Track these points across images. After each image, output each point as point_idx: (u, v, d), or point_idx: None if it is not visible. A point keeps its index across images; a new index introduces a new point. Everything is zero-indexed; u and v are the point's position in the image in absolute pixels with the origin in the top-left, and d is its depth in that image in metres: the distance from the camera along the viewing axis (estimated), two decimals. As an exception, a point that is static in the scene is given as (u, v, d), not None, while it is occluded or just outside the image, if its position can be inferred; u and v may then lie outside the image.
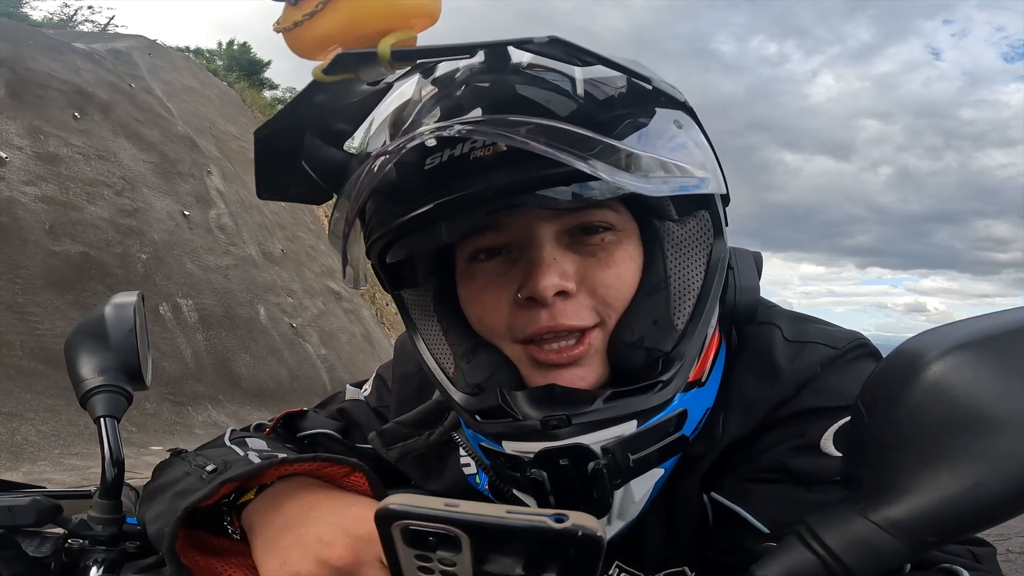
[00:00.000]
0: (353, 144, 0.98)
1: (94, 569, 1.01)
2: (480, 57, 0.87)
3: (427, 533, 0.55)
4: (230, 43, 26.39)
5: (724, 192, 0.94)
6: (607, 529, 0.90)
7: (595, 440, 0.84)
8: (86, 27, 22.54)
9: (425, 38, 0.80)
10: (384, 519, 0.55)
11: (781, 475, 0.89)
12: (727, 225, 0.96)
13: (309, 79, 0.82)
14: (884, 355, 0.77)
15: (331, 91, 0.85)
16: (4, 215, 9.26)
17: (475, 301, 0.96)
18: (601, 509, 0.87)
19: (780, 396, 0.93)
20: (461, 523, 0.53)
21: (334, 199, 0.95)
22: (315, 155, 0.95)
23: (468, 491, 1.11)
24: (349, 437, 1.34)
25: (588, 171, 0.74)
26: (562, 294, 0.87)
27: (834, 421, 0.88)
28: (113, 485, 1.05)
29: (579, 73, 0.84)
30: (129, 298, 1.22)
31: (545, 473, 0.85)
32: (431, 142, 0.80)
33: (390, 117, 0.92)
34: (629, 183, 0.76)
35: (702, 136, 0.92)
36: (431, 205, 0.83)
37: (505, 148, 0.80)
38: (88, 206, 10.74)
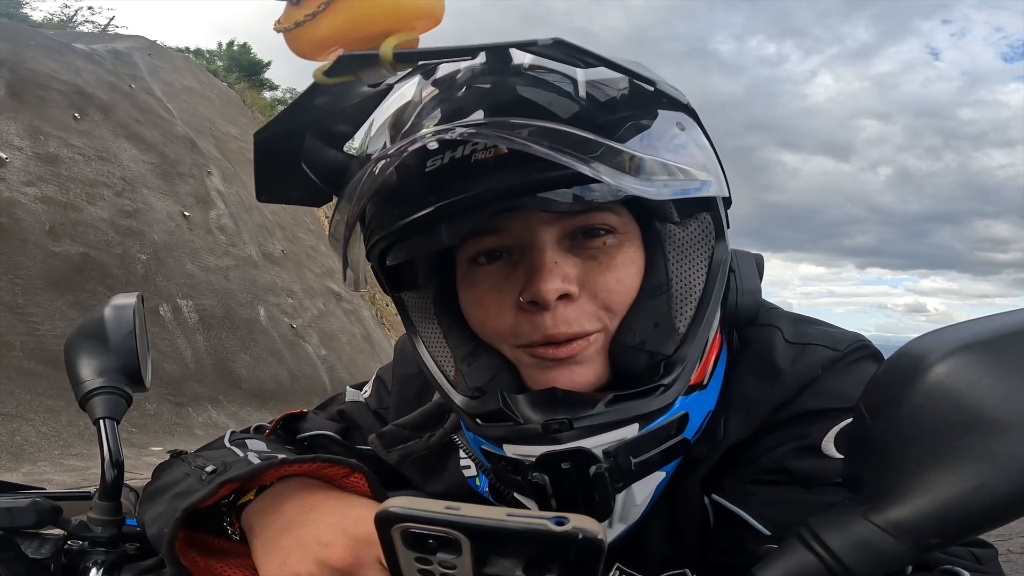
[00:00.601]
0: (353, 145, 0.98)
1: (94, 571, 1.01)
2: (481, 59, 0.87)
3: (427, 536, 0.54)
4: (230, 44, 26.41)
5: (726, 195, 0.94)
6: (608, 532, 0.90)
7: (597, 444, 0.84)
8: (86, 28, 22.58)
9: (427, 39, 0.80)
10: (384, 521, 0.55)
11: (782, 477, 0.89)
12: (729, 227, 0.96)
13: (310, 80, 0.81)
14: (885, 356, 0.77)
15: (331, 93, 0.85)
16: (4, 216, 9.26)
17: (477, 305, 0.95)
18: (603, 513, 0.86)
19: (781, 398, 0.93)
20: (461, 526, 0.53)
21: (334, 201, 0.95)
22: (315, 157, 0.95)
23: (468, 493, 1.11)
24: (349, 439, 1.33)
25: (590, 174, 0.73)
26: (564, 297, 0.87)
27: (835, 423, 0.88)
28: (113, 486, 1.05)
29: (581, 75, 0.84)
30: (129, 300, 1.22)
31: (547, 477, 0.85)
32: (432, 145, 0.80)
33: (390, 119, 0.91)
34: (631, 186, 0.76)
35: (704, 138, 0.92)
36: (432, 208, 0.82)
37: (506, 150, 0.79)
38: (88, 207, 10.74)
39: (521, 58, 0.86)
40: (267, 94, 26.15)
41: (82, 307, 8.98)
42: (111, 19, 24.02)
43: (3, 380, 7.82)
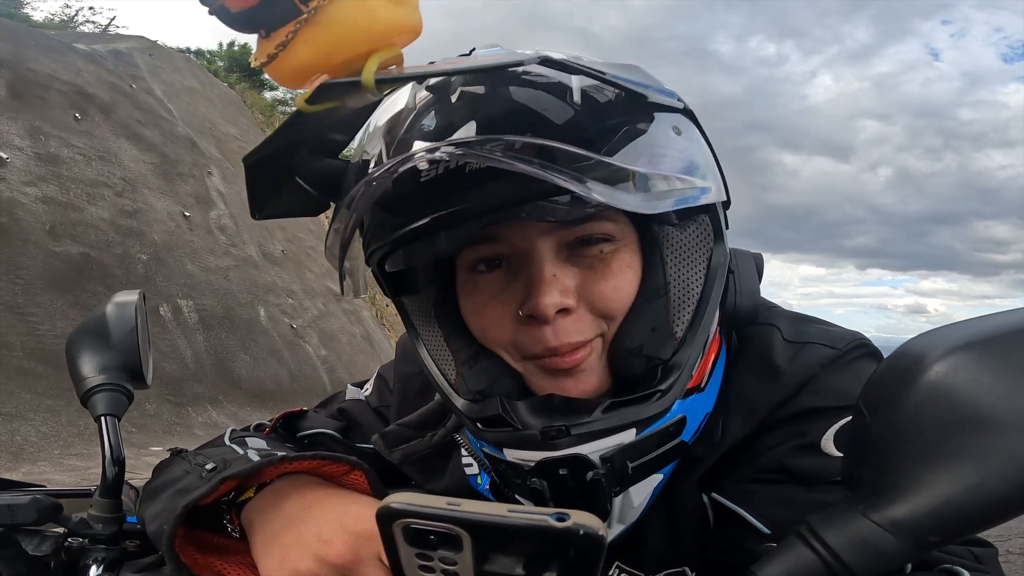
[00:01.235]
0: (352, 147, 0.98)
1: (94, 568, 1.01)
2: None
3: (428, 532, 0.55)
4: (231, 44, 26.37)
5: (724, 198, 0.94)
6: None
7: (594, 450, 0.84)
8: (87, 28, 22.56)
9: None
10: (386, 518, 0.55)
11: (782, 475, 0.89)
12: (727, 228, 0.96)
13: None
14: (885, 356, 0.77)
15: (321, 112, 0.84)
16: (5, 216, 9.26)
17: (478, 314, 0.96)
18: (600, 516, 0.87)
19: (780, 396, 0.93)
20: (463, 522, 0.53)
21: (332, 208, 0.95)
22: (310, 169, 0.95)
23: (469, 491, 1.12)
24: (350, 437, 1.34)
25: (582, 193, 0.73)
26: (563, 311, 0.87)
27: (834, 421, 0.88)
28: (113, 484, 1.05)
29: (576, 80, 0.83)
30: (130, 297, 1.22)
31: (545, 483, 0.86)
32: (422, 165, 0.81)
33: (385, 125, 0.91)
34: (626, 202, 0.76)
35: (702, 140, 0.92)
36: (427, 219, 0.82)
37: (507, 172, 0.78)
38: (88, 207, 10.74)
39: (528, 66, 0.86)
40: (267, 94, 26.14)
41: (82, 307, 8.98)
42: (112, 19, 24.02)
43: (3, 380, 7.81)
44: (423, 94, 0.89)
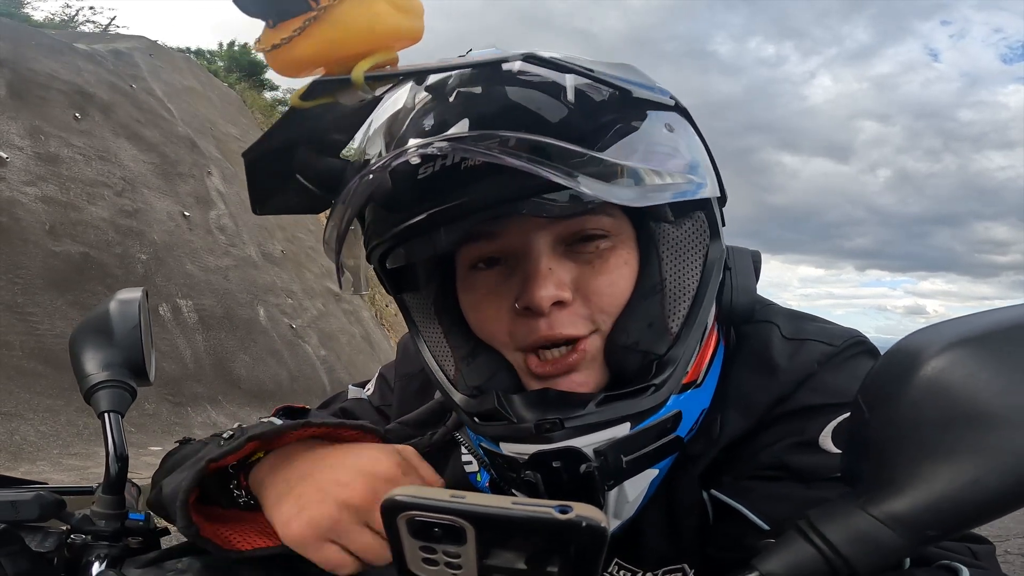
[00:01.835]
0: (352, 146, 0.99)
1: (96, 564, 1.01)
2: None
3: (433, 524, 0.55)
4: (231, 44, 26.33)
5: (719, 194, 0.96)
6: None
7: (588, 443, 0.85)
8: (87, 28, 22.49)
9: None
10: (390, 510, 0.56)
11: (780, 472, 0.90)
12: (724, 225, 0.98)
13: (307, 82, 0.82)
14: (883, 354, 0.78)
15: (320, 107, 0.85)
16: (4, 215, 9.24)
17: (475, 310, 0.98)
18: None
19: (778, 393, 0.94)
20: (467, 514, 0.53)
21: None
22: (310, 167, 0.97)
23: (469, 489, 1.11)
24: None
25: (574, 188, 0.75)
26: (559, 303, 0.89)
27: (832, 418, 0.89)
28: (116, 480, 1.05)
29: (570, 79, 0.85)
30: (134, 294, 1.23)
31: (539, 475, 0.87)
32: (415, 160, 0.82)
33: (384, 125, 0.93)
34: (617, 196, 0.78)
35: (696, 138, 0.94)
36: (424, 215, 0.84)
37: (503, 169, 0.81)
38: (88, 207, 10.73)
39: (511, 64, 0.88)
40: (267, 94, 26.10)
41: (82, 307, 8.96)
42: (112, 19, 23.94)
43: (2, 379, 7.79)
44: (422, 95, 0.91)
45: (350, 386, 1.48)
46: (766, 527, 0.86)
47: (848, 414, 0.73)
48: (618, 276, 0.92)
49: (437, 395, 1.22)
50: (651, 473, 0.93)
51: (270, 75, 26.65)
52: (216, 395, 10.49)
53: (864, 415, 0.66)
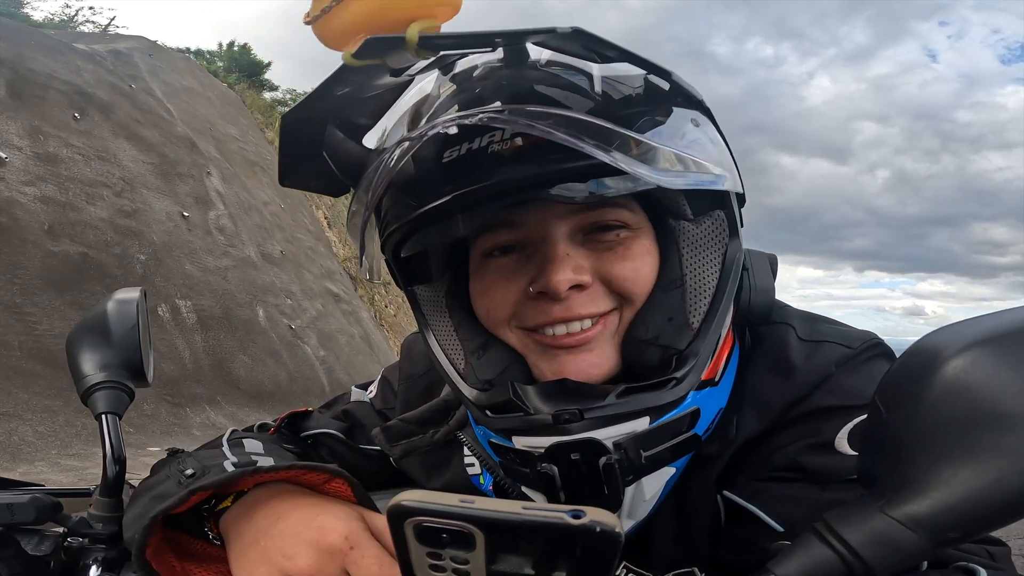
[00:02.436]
0: (373, 138, 0.99)
1: (94, 568, 1.00)
2: (499, 54, 0.89)
3: (440, 530, 0.54)
4: (230, 44, 26.42)
5: (740, 191, 0.95)
6: None
7: (607, 435, 0.84)
8: (87, 28, 22.53)
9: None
10: (397, 516, 0.54)
11: (795, 474, 0.88)
12: (743, 226, 0.97)
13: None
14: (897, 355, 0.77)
15: (354, 82, 0.85)
16: (3, 215, 9.26)
17: (484, 294, 0.97)
18: (612, 506, 0.87)
19: (795, 395, 0.93)
20: (476, 519, 0.52)
21: (342, 198, 0.96)
22: (336, 147, 0.96)
23: (471, 490, 1.11)
24: (353, 438, 1.34)
25: (609, 162, 0.75)
26: (577, 287, 0.88)
27: (849, 420, 0.88)
28: (114, 482, 1.04)
29: (597, 71, 0.85)
30: (132, 294, 1.21)
31: (556, 468, 0.85)
32: (452, 130, 0.81)
33: (409, 112, 0.93)
34: (649, 175, 0.77)
35: (718, 135, 0.94)
36: (448, 197, 0.84)
37: (522, 144, 0.81)
38: (87, 207, 10.74)
39: (538, 53, 0.88)
40: (267, 95, 26.19)
41: (81, 307, 8.98)
42: (112, 19, 24.02)
43: (1, 380, 7.81)
44: (448, 85, 0.92)
45: (353, 387, 1.46)
46: (780, 529, 0.84)
47: (865, 416, 0.72)
48: (642, 263, 0.92)
49: (442, 394, 1.21)
50: (668, 471, 0.91)
51: (270, 75, 26.65)
52: (215, 396, 10.51)
53: (882, 416, 0.65)
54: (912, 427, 0.61)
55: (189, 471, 0.91)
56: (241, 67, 25.45)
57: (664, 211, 0.94)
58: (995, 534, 0.75)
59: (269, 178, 18.04)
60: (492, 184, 0.82)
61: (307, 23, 0.80)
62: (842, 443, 0.87)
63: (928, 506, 0.58)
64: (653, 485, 0.90)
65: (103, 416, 1.07)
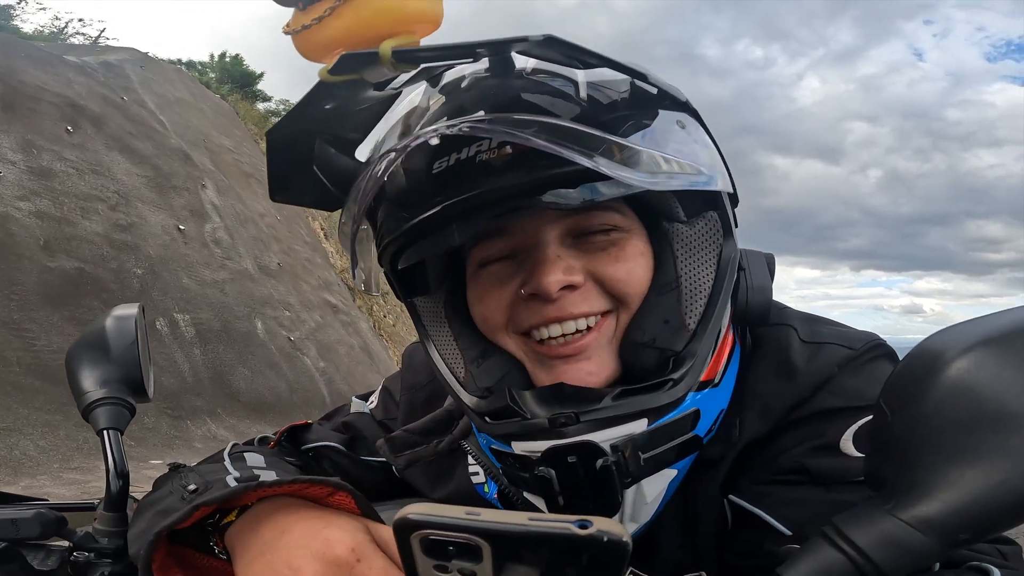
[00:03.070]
0: (365, 151, 1.00)
1: (101, 582, 1.00)
2: (484, 63, 0.90)
3: (447, 543, 0.54)
4: (222, 55, 26.41)
5: (731, 191, 0.96)
6: None
7: (604, 438, 0.85)
8: (77, 39, 22.43)
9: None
10: (403, 528, 0.54)
11: (801, 476, 0.88)
12: (737, 227, 0.98)
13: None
14: (899, 355, 0.77)
15: (340, 96, 0.87)
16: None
17: (479, 301, 0.98)
18: (611, 509, 0.87)
19: (797, 396, 0.93)
20: (484, 532, 0.52)
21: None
22: (327, 162, 0.97)
23: (476, 500, 1.12)
24: (354, 450, 1.34)
25: (592, 167, 0.75)
26: (569, 288, 0.89)
27: (853, 421, 0.88)
28: (118, 497, 1.04)
29: (582, 76, 0.87)
30: (130, 310, 1.22)
31: (553, 471, 0.86)
32: (434, 140, 0.83)
33: (399, 124, 0.94)
34: (634, 179, 0.78)
35: (706, 136, 0.94)
36: (439, 207, 0.85)
37: (510, 151, 0.82)
38: (82, 221, 10.72)
39: (523, 63, 0.89)
40: (260, 106, 26.13)
41: (78, 322, 8.96)
42: (102, 31, 23.95)
43: (1, 395, 7.80)
44: (437, 97, 0.93)
45: (353, 398, 1.47)
46: (787, 532, 0.84)
47: (870, 417, 0.72)
48: (635, 265, 0.93)
49: (445, 404, 1.21)
50: (669, 473, 0.91)
51: (262, 86, 26.63)
52: (215, 408, 10.49)
53: (887, 418, 0.65)
54: (917, 429, 0.61)
55: (192, 486, 0.91)
56: (234, 78, 25.42)
57: (657, 213, 0.95)
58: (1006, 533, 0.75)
59: (264, 189, 17.91)
60: (481, 193, 0.83)
61: (286, 33, 0.82)
62: (847, 445, 0.87)
63: (937, 508, 0.58)
64: (654, 488, 0.91)
65: (105, 432, 1.08)
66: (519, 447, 0.90)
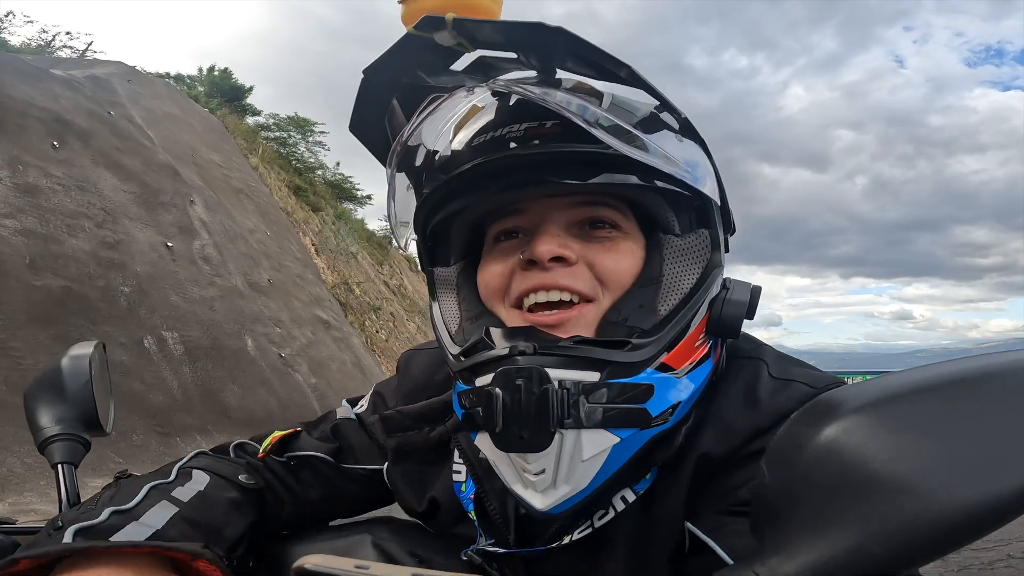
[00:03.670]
0: (419, 137, 1.14)
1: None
2: (533, 73, 1.05)
3: None
4: (211, 69, 26.29)
5: (719, 203, 1.08)
6: (553, 493, 0.93)
7: (556, 376, 0.90)
8: (64, 53, 22.28)
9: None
10: None
11: (748, 508, 0.92)
12: (727, 251, 1.09)
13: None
14: (871, 367, 0.78)
15: (425, 62, 1.06)
16: (-15, 249, 9.22)
17: (484, 269, 1.11)
18: (544, 440, 0.90)
19: (756, 426, 0.99)
20: None
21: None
22: (395, 120, 1.12)
23: (453, 499, 1.18)
24: (341, 459, 1.36)
25: (612, 143, 0.92)
26: (560, 260, 1.00)
27: None
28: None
29: (607, 91, 1.02)
30: (85, 349, 1.26)
31: (500, 391, 0.91)
32: (480, 104, 1.08)
33: (456, 120, 1.10)
34: (641, 156, 0.93)
35: (701, 151, 1.06)
36: (470, 164, 1.03)
37: (542, 132, 0.99)
38: (69, 239, 10.68)
39: (568, 79, 1.05)
40: (250, 120, 26.01)
41: (65, 341, 8.91)
42: (89, 44, 23.81)
43: (-14, 415, 7.78)
44: (491, 99, 1.07)
45: (343, 401, 1.49)
46: (730, 562, 0.88)
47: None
48: (624, 260, 1.03)
49: (443, 396, 1.26)
50: (611, 438, 0.93)
51: (252, 100, 26.50)
52: (206, 425, 10.44)
53: (765, 479, 0.68)
54: (788, 492, 0.64)
55: (59, 523, 0.95)
56: (222, 92, 25.30)
57: (654, 225, 1.05)
58: (995, 536, 0.76)
59: (255, 205, 17.99)
60: (505, 157, 1.00)
61: (399, 3, 1.13)
62: None
63: (792, 569, 0.61)
64: (593, 446, 0.92)
65: (59, 466, 1.12)
66: (480, 382, 0.95)
